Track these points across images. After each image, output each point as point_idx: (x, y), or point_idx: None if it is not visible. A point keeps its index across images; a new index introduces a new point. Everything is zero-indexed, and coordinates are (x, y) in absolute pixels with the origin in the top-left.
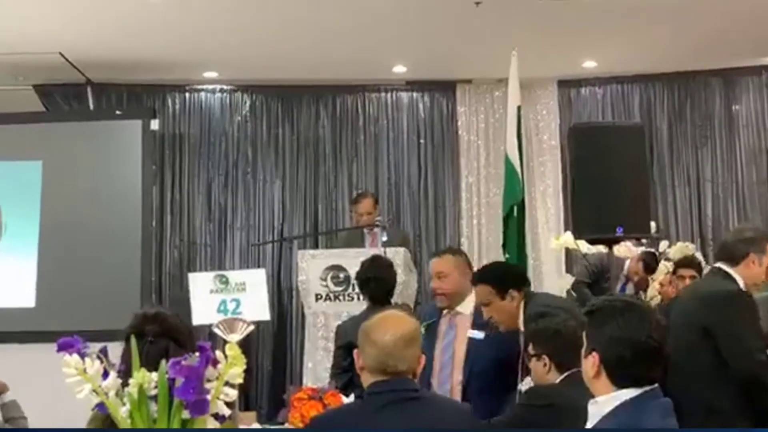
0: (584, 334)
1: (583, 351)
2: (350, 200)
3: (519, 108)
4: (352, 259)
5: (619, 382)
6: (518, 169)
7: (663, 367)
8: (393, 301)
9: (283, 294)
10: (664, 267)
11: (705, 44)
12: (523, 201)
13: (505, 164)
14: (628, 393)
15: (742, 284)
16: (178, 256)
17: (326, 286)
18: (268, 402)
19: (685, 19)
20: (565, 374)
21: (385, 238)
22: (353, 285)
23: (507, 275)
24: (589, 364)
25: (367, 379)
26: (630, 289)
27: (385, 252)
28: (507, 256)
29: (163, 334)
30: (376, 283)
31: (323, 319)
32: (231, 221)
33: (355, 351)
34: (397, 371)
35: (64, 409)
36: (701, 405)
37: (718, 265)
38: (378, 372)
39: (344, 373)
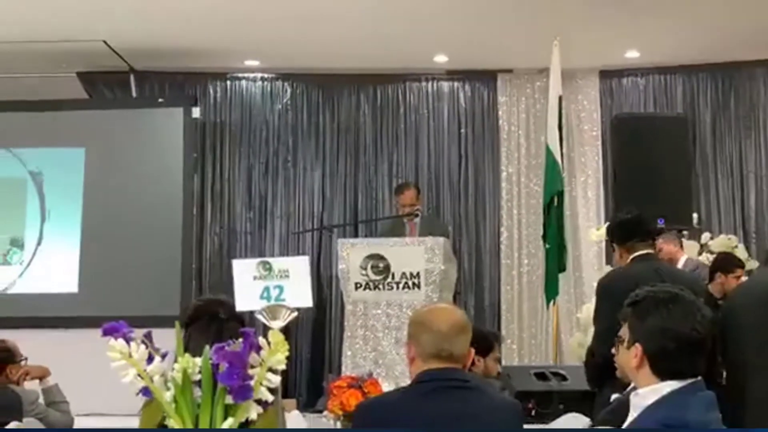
0: (627, 324)
1: (625, 342)
2: (392, 189)
3: (560, 98)
4: (391, 248)
5: (662, 374)
6: (559, 160)
7: (707, 360)
8: (437, 291)
9: (322, 282)
10: (705, 259)
11: (749, 34)
12: (562, 191)
13: (545, 155)
14: (671, 385)
15: None
16: (218, 244)
17: (366, 274)
18: (306, 390)
19: (729, 9)
20: None
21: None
22: (393, 274)
23: None
24: (632, 354)
25: (419, 368)
26: None
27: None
28: (547, 246)
29: (232, 316)
30: None
31: (362, 307)
32: (271, 209)
33: (406, 342)
34: (452, 356)
35: (106, 394)
36: None
37: None
38: (432, 358)
39: None
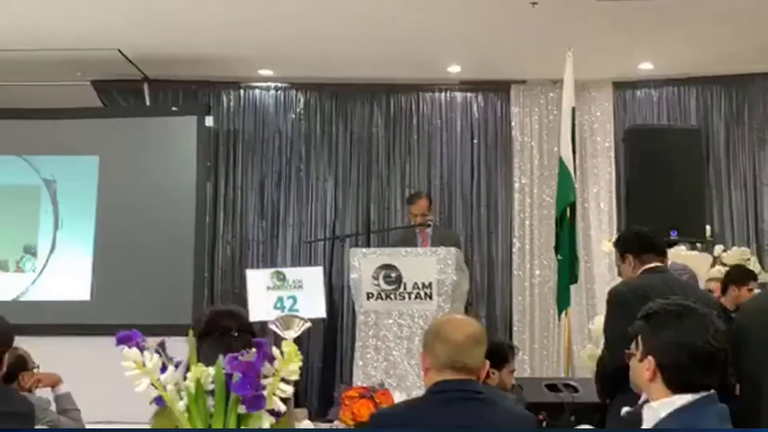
0: (639, 337)
1: (638, 355)
2: (404, 199)
3: (573, 109)
4: (403, 258)
5: (675, 387)
6: (572, 171)
7: (720, 373)
8: (449, 301)
9: (334, 292)
10: (718, 272)
11: (763, 46)
12: (575, 203)
13: (559, 166)
14: (684, 398)
15: None
16: (230, 253)
17: (378, 284)
18: (318, 399)
19: (743, 21)
20: None
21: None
22: (405, 284)
23: None
24: (644, 367)
25: (432, 379)
26: None
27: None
28: (559, 257)
29: (243, 329)
30: None
31: (374, 317)
32: (284, 218)
33: (421, 352)
34: (466, 367)
35: (118, 402)
36: None
37: None
38: (447, 369)
39: None
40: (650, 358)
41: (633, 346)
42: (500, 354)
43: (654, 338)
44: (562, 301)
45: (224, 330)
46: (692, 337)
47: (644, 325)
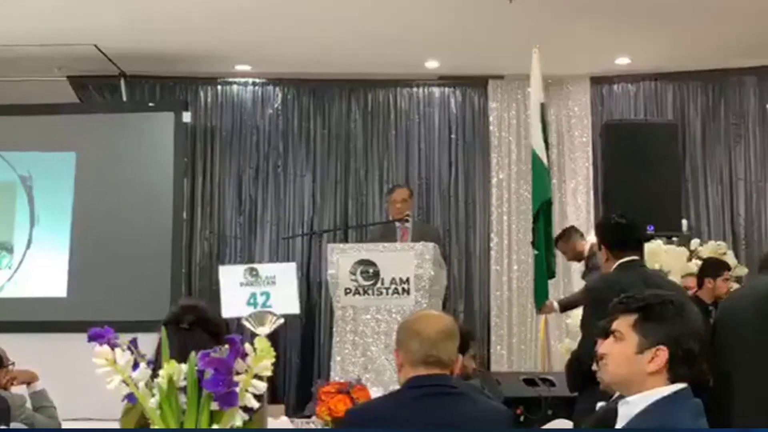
0: (633, 330)
1: (635, 346)
2: (383, 195)
3: (543, 105)
4: (381, 254)
5: (679, 378)
6: (546, 166)
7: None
8: (426, 297)
9: (312, 287)
10: (694, 265)
11: (740, 41)
12: (551, 198)
13: (532, 161)
14: (660, 392)
15: None
16: (208, 249)
17: (355, 280)
18: (296, 395)
19: (719, 17)
20: None
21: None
22: (382, 279)
23: None
24: (646, 359)
25: (407, 374)
26: None
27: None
28: (536, 252)
29: (199, 324)
30: None
31: (352, 312)
32: (261, 214)
33: (395, 349)
34: (440, 362)
35: (94, 399)
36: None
37: None
38: (420, 364)
39: None
40: (661, 348)
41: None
42: (461, 340)
43: (659, 329)
44: (540, 296)
45: (175, 324)
46: (697, 325)
47: (643, 316)
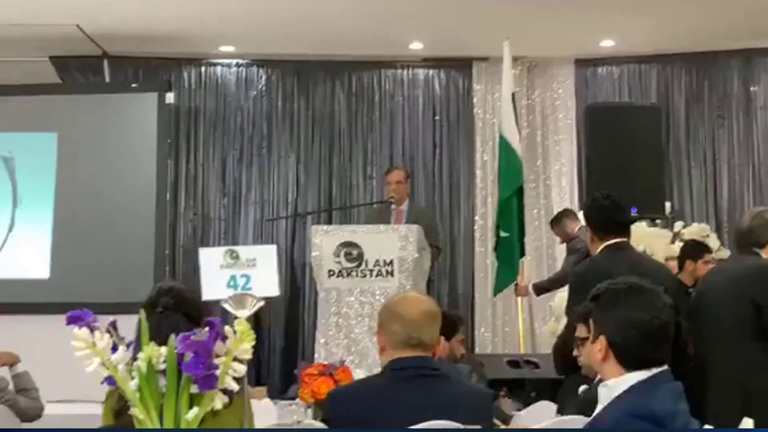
0: (590, 320)
1: (590, 337)
2: (366, 177)
3: (513, 95)
4: (365, 236)
5: (628, 365)
6: (518, 153)
7: (673, 348)
8: (410, 279)
9: (296, 269)
10: (677, 248)
11: (724, 24)
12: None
13: (500, 147)
14: (638, 376)
15: None
16: (191, 230)
17: (339, 262)
18: (280, 377)
19: None
20: None
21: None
22: (366, 261)
23: None
24: (596, 348)
25: (389, 356)
26: None
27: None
28: (504, 234)
29: (176, 307)
30: None
31: (336, 295)
32: (245, 196)
33: (377, 332)
34: (422, 344)
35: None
36: (739, 380)
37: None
38: (402, 346)
39: None
40: (601, 338)
41: (583, 329)
42: (449, 324)
43: (603, 318)
44: (506, 279)
45: (153, 307)
46: (639, 313)
47: (593, 306)
